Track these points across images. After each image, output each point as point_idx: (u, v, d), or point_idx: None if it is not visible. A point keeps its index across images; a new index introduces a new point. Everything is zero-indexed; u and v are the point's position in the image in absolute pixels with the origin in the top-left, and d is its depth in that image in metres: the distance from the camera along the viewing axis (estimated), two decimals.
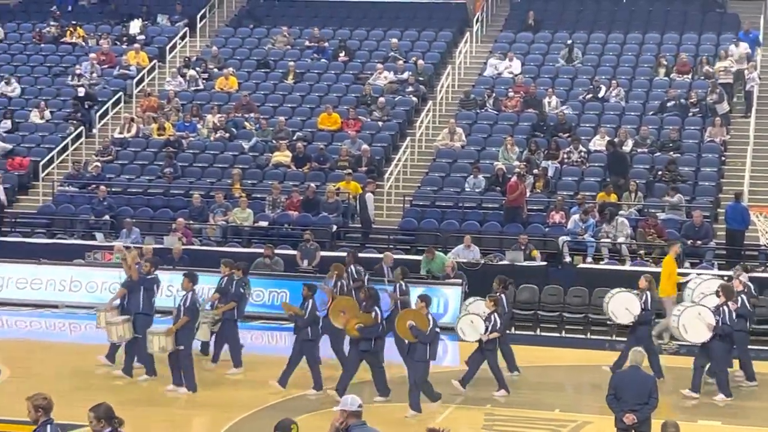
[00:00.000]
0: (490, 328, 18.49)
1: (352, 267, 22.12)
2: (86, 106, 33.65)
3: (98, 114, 33.55)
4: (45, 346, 20.77)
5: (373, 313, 17.68)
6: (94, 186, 30.13)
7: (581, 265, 25.72)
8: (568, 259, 26.31)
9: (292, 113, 33.04)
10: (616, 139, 29.63)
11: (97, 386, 18.62)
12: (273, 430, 9.63)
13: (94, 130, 33.40)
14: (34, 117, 33.52)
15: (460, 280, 25.01)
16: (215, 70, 35.14)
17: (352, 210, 28.83)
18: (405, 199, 29.37)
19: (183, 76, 34.75)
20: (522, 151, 30.14)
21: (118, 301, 19.74)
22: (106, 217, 28.96)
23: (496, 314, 18.64)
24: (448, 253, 26.01)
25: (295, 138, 31.46)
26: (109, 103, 33.89)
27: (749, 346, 20.13)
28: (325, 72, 34.86)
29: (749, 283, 20.65)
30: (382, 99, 32.63)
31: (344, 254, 23.78)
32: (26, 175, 31.56)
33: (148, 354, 18.83)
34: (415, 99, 33.16)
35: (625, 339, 20.02)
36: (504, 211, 28.12)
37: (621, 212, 27.10)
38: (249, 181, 30.29)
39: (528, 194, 28.42)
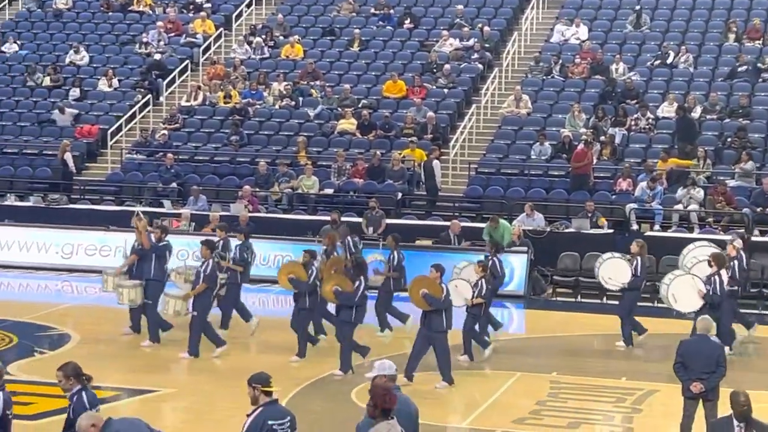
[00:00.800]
0: (476, 293, 18.43)
1: (349, 239, 21.96)
2: (154, 75, 33.87)
3: (165, 82, 33.76)
4: (114, 312, 20.99)
5: (357, 283, 17.47)
6: (161, 154, 30.37)
7: (648, 233, 25.50)
8: (635, 226, 26.13)
9: (358, 81, 33.01)
10: (685, 105, 29.29)
11: (166, 350, 18.79)
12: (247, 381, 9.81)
13: (162, 98, 33.62)
14: (103, 85, 33.80)
15: (525, 248, 24.92)
16: (281, 37, 35.18)
17: (417, 177, 28.79)
18: (470, 167, 29.28)
19: (249, 44, 34.85)
20: (589, 118, 29.90)
21: (126, 267, 19.94)
22: (173, 184, 29.19)
23: (483, 280, 18.56)
24: (513, 221, 25.92)
25: (360, 105, 31.45)
26: (176, 71, 34.08)
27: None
28: (391, 39, 34.77)
29: (742, 253, 20.18)
30: (447, 66, 32.49)
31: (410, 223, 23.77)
32: (95, 142, 31.87)
33: (154, 322, 19.08)
34: (480, 66, 32.98)
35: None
36: (570, 179, 27.94)
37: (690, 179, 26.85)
38: (314, 149, 30.36)
39: (595, 161, 28.21)
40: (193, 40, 35.38)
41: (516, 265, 24.74)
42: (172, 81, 33.97)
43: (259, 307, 22.57)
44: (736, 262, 19.59)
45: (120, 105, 33.01)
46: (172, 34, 35.73)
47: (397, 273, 20.63)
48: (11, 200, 28.89)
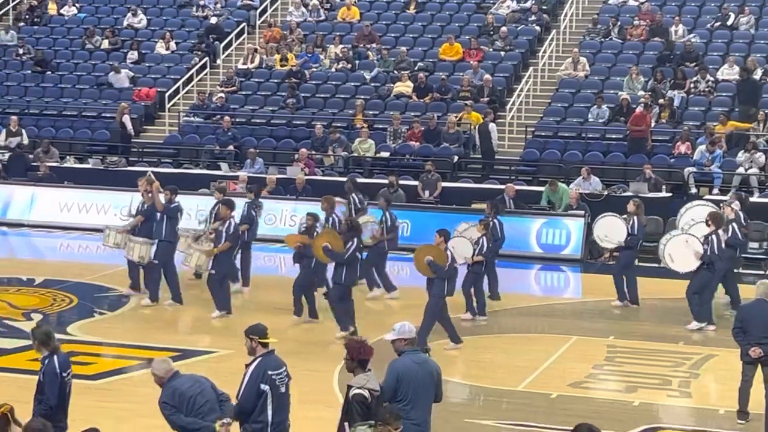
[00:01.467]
0: (477, 251, 18.46)
1: (354, 195, 21.80)
2: (211, 38, 33.95)
3: (222, 45, 33.84)
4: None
5: (349, 243, 17.32)
6: (218, 116, 30.49)
7: (707, 197, 25.27)
8: (693, 190, 25.90)
9: (414, 43, 32.89)
10: (746, 67, 28.89)
11: (235, 313, 18.90)
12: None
13: (218, 61, 33.71)
14: (160, 48, 33.95)
15: (582, 212, 24.80)
16: (337, 0, 35.11)
17: (473, 141, 28.69)
18: (527, 130, 29.13)
19: (305, 6, 34.81)
20: (647, 81, 29.61)
21: (129, 227, 20.07)
22: (230, 147, 29.32)
23: (484, 238, 18.60)
24: (570, 185, 25.79)
25: (416, 68, 31.34)
26: (233, 34, 34.15)
27: None
28: (447, 2, 34.53)
29: (741, 212, 20.05)
30: (504, 28, 32.27)
31: (468, 185, 23.70)
32: (152, 105, 32.06)
33: (156, 282, 19.32)
34: (537, 28, 32.72)
35: None
36: (628, 142, 27.71)
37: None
38: (370, 112, 30.33)
39: (653, 125, 27.96)
40: (250, 2, 35.40)
41: (573, 229, 24.65)
42: (229, 44, 34.04)
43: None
44: (734, 224, 19.39)
45: (177, 68, 33.14)
46: None
47: (392, 234, 20.41)
48: (71, 162, 29.16)
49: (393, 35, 33.39)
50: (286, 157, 28.55)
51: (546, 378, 15.71)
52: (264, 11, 35.24)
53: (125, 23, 35.14)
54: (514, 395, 14.97)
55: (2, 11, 36.59)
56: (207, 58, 33.22)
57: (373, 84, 31.38)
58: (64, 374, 10.38)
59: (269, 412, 9.80)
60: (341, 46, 32.58)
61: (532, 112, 30.08)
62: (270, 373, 9.88)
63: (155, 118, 32.13)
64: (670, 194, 25.58)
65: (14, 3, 36.92)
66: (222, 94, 31.32)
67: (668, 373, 16.11)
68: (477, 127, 28.48)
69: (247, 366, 9.98)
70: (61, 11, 36.12)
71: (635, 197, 21.53)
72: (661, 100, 28.61)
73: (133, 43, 33.90)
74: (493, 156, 28.24)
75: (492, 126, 28.18)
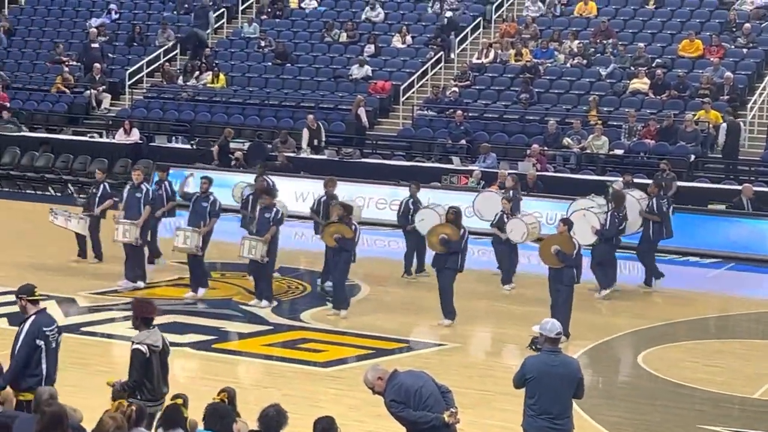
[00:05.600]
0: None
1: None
2: (446, 33, 34.13)
3: (458, 39, 33.98)
4: (398, 264, 21.40)
5: (352, 227, 17.83)
6: (451, 110, 30.64)
7: None
8: None
9: (652, 39, 32.25)
10: None
11: (486, 307, 18.93)
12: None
13: (453, 55, 33.87)
14: (396, 42, 34.34)
15: None
16: None
17: (711, 140, 27.94)
18: None
19: (542, 1, 34.62)
20: None
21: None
22: (463, 141, 29.42)
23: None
24: None
25: (654, 65, 30.74)
26: (468, 29, 34.24)
27: None
28: None
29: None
30: (747, 25, 31.29)
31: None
32: (387, 98, 32.46)
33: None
34: None
35: None
36: None
37: None
38: (605, 108, 29.93)
39: None
40: None
41: None
42: (464, 38, 34.15)
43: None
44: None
45: (412, 62, 33.46)
46: None
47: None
48: (306, 153, 29.81)
49: (630, 31, 32.83)
50: (518, 152, 28.45)
51: None
52: (500, 6, 35.19)
53: (363, 17, 35.69)
54: (750, 403, 14.51)
55: (246, 4, 37.70)
56: (442, 53, 33.41)
57: (608, 80, 30.94)
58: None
59: (44, 366, 10.41)
60: (577, 41, 32.25)
61: None
62: (44, 329, 10.51)
63: (389, 111, 32.53)
64: None
65: None
66: (456, 89, 31.46)
67: None
68: (717, 126, 27.70)
69: (22, 324, 10.51)
70: (302, 5, 36.97)
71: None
72: None
73: (370, 36, 34.40)
74: (736, 156, 27.40)
75: (740, 124, 27.37)
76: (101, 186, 21.36)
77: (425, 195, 25.02)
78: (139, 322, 10.51)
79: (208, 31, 36.27)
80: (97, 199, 21.12)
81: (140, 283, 19.48)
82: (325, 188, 21.00)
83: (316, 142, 29.82)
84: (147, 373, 10.29)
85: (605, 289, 19.79)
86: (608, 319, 18.53)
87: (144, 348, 10.31)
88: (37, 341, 10.44)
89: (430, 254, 20.33)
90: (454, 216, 17.64)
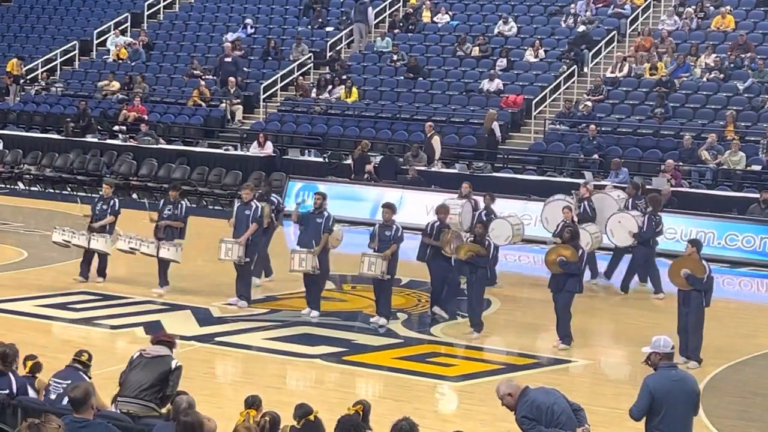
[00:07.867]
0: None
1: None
2: (580, 46, 33.86)
3: (591, 53, 33.67)
4: (533, 280, 21.28)
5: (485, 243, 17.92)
6: (584, 125, 30.37)
7: None
8: None
9: None
10: None
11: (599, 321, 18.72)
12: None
13: (586, 69, 33.58)
14: (529, 56, 34.18)
15: None
16: (711, 8, 34.18)
17: None
18: None
19: (679, 14, 34.11)
20: None
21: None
22: (595, 156, 29.13)
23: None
24: None
25: None
26: (602, 42, 33.91)
27: None
28: None
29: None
30: None
31: None
32: (519, 112, 32.32)
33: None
34: None
35: None
36: None
37: None
38: (742, 123, 29.34)
39: None
40: (621, 10, 35.04)
41: None
42: (598, 52, 33.83)
43: None
44: (585, 203, 21.13)
45: (545, 75, 33.26)
46: (600, 5, 35.55)
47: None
48: (438, 167, 29.79)
49: None
50: (652, 167, 28.05)
51: None
52: (635, 19, 34.79)
53: (496, 31, 35.61)
54: None
55: (379, 18, 37.95)
56: (575, 66, 33.15)
57: (746, 95, 30.34)
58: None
59: None
60: (714, 55, 31.69)
61: None
62: None
63: (521, 125, 32.38)
64: None
65: (391, 11, 38.20)
66: (589, 103, 31.18)
67: None
68: None
69: None
70: (435, 19, 37.04)
71: None
72: None
73: (502, 50, 34.30)
74: None
75: None
76: (111, 200, 20.97)
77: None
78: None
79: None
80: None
81: (243, 303, 19.00)
82: (485, 202, 21.34)
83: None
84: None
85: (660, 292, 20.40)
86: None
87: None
88: None
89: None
90: (570, 236, 17.29)
